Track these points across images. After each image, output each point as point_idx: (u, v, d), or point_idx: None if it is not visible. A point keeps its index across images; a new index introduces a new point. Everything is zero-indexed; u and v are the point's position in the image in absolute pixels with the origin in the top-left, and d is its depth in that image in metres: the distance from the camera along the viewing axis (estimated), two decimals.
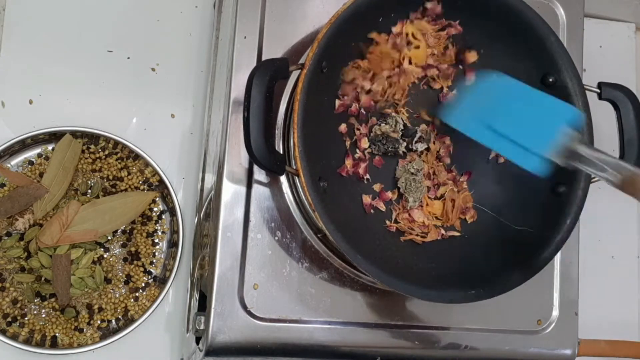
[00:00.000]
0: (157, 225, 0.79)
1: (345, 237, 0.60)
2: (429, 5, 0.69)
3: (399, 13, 0.68)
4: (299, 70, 0.61)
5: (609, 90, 0.72)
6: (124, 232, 0.78)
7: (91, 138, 0.79)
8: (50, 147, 0.78)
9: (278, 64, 0.61)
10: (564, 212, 0.66)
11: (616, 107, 0.72)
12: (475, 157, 0.72)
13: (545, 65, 0.69)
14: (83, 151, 0.78)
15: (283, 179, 0.67)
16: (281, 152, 0.66)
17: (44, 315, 0.75)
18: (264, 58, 0.68)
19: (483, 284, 0.64)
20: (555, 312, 0.73)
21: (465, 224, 0.71)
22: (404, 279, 0.62)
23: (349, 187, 0.68)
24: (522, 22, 0.68)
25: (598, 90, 0.72)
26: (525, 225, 0.68)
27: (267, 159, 0.59)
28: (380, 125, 0.70)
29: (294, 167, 0.59)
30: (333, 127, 0.68)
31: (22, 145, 0.77)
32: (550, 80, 0.69)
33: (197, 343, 0.67)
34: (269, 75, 0.59)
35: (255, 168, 0.66)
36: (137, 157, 0.79)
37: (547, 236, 0.66)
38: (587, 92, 0.70)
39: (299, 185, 0.64)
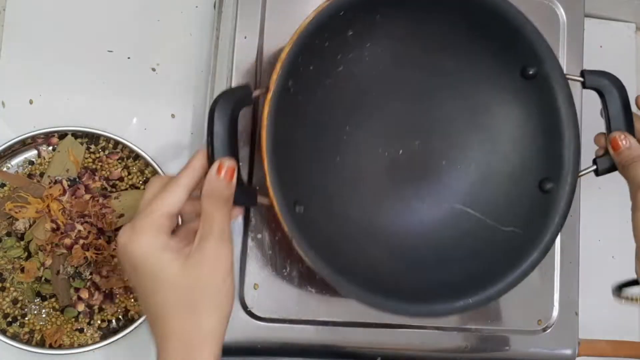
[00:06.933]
0: None
1: (326, 261, 0.57)
2: None
3: (366, 21, 0.63)
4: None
5: (593, 78, 0.66)
6: None
7: (91, 138, 0.79)
8: (50, 147, 0.78)
9: (239, 92, 0.56)
10: (552, 210, 0.64)
11: (601, 95, 0.66)
12: (459, 154, 0.69)
13: (524, 57, 0.64)
14: None
15: None
16: (246, 178, 0.63)
17: (44, 315, 0.75)
18: (264, 58, 0.67)
19: (473, 292, 0.62)
20: (555, 312, 0.73)
21: (451, 227, 0.68)
22: (392, 297, 0.60)
23: (327, 205, 0.64)
24: (495, 15, 0.63)
25: (581, 79, 0.66)
26: (513, 225, 0.66)
27: (237, 195, 0.53)
28: None
29: (266, 196, 0.55)
30: (311, 143, 0.64)
31: (22, 145, 0.77)
32: (531, 72, 0.64)
33: None
34: (231, 106, 0.54)
35: (256, 167, 0.66)
36: (137, 157, 0.79)
37: (536, 236, 0.64)
38: (570, 82, 0.65)
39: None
